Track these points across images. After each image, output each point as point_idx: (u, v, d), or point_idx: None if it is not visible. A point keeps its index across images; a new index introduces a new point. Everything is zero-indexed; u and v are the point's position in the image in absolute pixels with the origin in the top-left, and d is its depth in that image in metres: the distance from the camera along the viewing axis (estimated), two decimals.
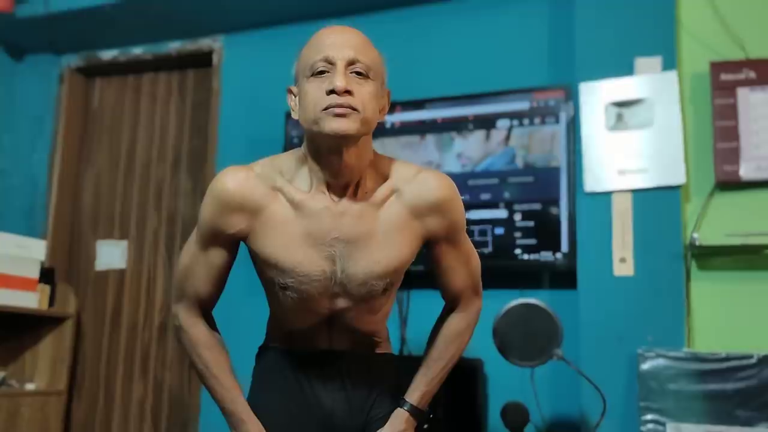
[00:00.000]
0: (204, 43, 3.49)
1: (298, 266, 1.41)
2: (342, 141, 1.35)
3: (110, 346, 3.53)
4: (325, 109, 1.33)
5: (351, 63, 1.35)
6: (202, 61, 3.54)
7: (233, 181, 1.42)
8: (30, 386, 3.24)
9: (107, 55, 3.70)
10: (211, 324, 1.54)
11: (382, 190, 1.45)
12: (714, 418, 2.27)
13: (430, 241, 1.50)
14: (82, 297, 3.59)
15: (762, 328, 2.40)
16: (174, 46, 3.55)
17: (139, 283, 3.55)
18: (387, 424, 1.53)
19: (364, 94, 1.35)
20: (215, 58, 3.46)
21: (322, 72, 1.35)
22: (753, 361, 2.28)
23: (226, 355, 1.53)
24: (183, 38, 3.53)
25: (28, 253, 3.20)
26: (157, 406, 3.40)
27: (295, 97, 1.45)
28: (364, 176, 1.44)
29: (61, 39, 3.61)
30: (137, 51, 3.63)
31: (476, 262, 1.57)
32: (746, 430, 2.17)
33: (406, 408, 1.54)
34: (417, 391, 1.56)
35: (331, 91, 1.32)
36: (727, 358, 2.31)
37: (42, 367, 3.30)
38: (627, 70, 2.61)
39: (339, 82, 1.32)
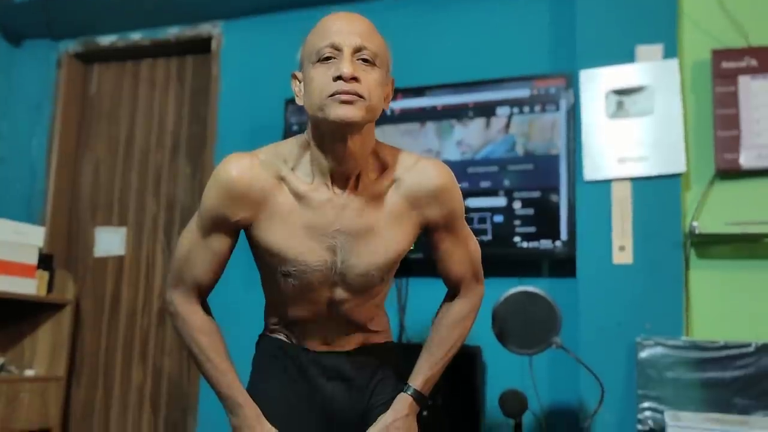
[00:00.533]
0: (203, 28, 3.47)
1: (300, 256, 1.42)
2: (347, 128, 1.34)
3: (109, 333, 3.54)
4: (332, 95, 1.32)
5: (358, 50, 1.35)
6: (201, 47, 3.52)
7: (238, 168, 1.41)
8: (29, 372, 3.24)
9: (105, 40, 3.68)
10: (207, 310, 1.54)
11: (383, 181, 1.45)
12: (712, 406, 2.28)
13: (429, 229, 1.51)
14: (81, 283, 3.59)
15: (760, 317, 2.41)
16: (173, 32, 3.54)
17: (138, 269, 3.55)
18: (390, 408, 1.53)
19: (370, 81, 1.35)
20: (214, 44, 3.44)
21: (328, 58, 1.34)
22: (751, 349, 2.29)
23: (223, 341, 1.52)
24: (182, 24, 3.51)
25: (26, 239, 3.20)
26: (156, 392, 3.41)
27: (300, 83, 1.44)
28: (366, 165, 1.44)
29: (58, 24, 3.59)
30: (136, 36, 3.61)
31: (476, 249, 1.58)
32: (744, 417, 2.17)
33: (409, 392, 1.54)
34: (420, 376, 1.56)
35: (338, 78, 1.32)
36: (726, 347, 2.31)
37: (41, 353, 3.31)
38: (628, 57, 2.60)
39: (346, 68, 1.31)
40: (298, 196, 1.42)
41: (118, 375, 3.48)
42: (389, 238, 1.45)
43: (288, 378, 1.53)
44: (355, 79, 1.32)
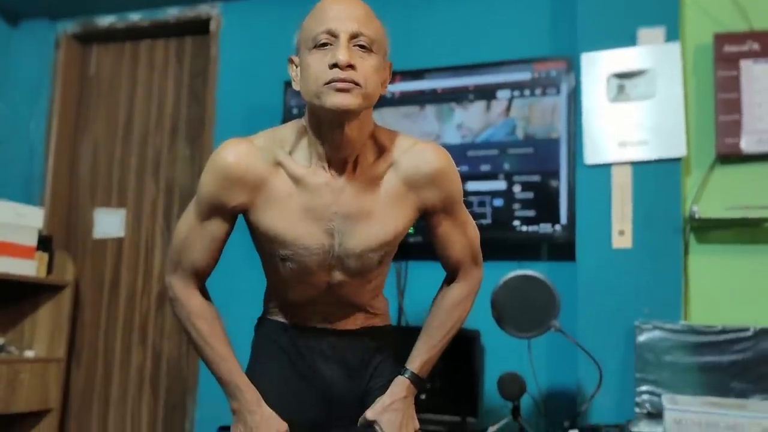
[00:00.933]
0: (202, 9, 3.45)
1: (298, 239, 1.42)
2: (344, 116, 1.33)
3: (109, 315, 3.54)
4: (328, 83, 1.31)
5: (354, 36, 1.33)
6: (200, 28, 3.50)
7: (234, 154, 1.40)
8: (29, 353, 3.25)
9: (104, 21, 3.65)
10: (206, 295, 1.54)
11: (381, 164, 1.45)
12: (709, 389, 2.29)
13: (427, 213, 1.50)
14: (80, 265, 3.59)
15: (759, 301, 2.41)
16: (172, 13, 3.51)
17: (138, 252, 3.55)
18: (387, 391, 1.54)
19: (367, 68, 1.34)
20: (213, 25, 3.42)
21: (324, 44, 1.33)
22: (749, 333, 2.30)
23: (222, 326, 1.52)
24: (181, 4, 3.48)
25: (26, 220, 3.19)
26: (155, 374, 3.42)
27: (297, 67, 1.43)
28: (363, 149, 1.44)
29: (57, 4, 3.56)
30: (134, 17, 3.59)
31: (474, 233, 1.57)
32: (741, 401, 2.18)
33: (406, 375, 1.55)
34: (418, 359, 1.56)
35: (334, 65, 1.30)
36: (723, 331, 2.32)
37: (41, 335, 3.32)
38: (629, 40, 2.59)
39: (342, 56, 1.30)
40: (296, 180, 1.42)
41: (118, 357, 3.49)
42: (386, 220, 1.45)
43: (287, 361, 1.54)
44: (351, 66, 1.31)
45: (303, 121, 1.44)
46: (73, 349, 3.53)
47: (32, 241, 3.22)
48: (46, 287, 3.33)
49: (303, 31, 1.39)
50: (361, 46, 1.34)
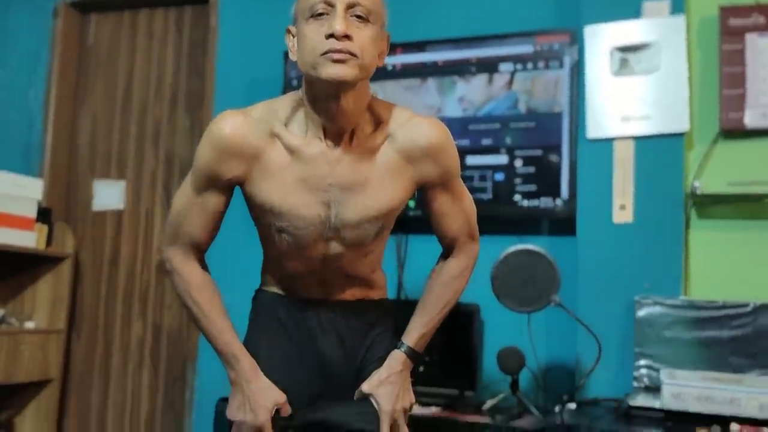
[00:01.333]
0: None
1: (294, 210, 1.42)
2: (340, 87, 1.33)
3: (109, 287, 3.55)
4: (324, 53, 1.30)
5: (351, 6, 1.32)
6: None
7: (231, 125, 1.40)
8: (30, 324, 3.26)
9: None
10: (205, 267, 1.54)
11: (377, 136, 1.44)
12: (708, 364, 2.30)
13: (424, 187, 1.50)
14: (80, 237, 3.59)
15: (759, 277, 2.41)
16: None
17: (137, 223, 3.54)
18: (384, 364, 1.54)
19: (364, 38, 1.33)
20: None
21: (321, 14, 1.32)
22: (748, 309, 2.30)
23: (219, 297, 1.52)
24: None
25: (25, 192, 3.19)
26: (155, 345, 3.43)
27: (294, 38, 1.42)
28: (360, 121, 1.43)
29: None
30: None
31: (471, 207, 1.57)
32: (738, 376, 2.19)
33: (403, 349, 1.55)
34: (414, 333, 1.56)
35: (330, 36, 1.30)
36: (723, 306, 2.32)
37: (41, 306, 3.33)
38: (634, 13, 2.55)
39: (338, 26, 1.29)
40: (291, 151, 1.41)
41: (118, 328, 3.50)
42: (383, 191, 1.44)
43: (284, 332, 1.54)
44: (347, 36, 1.30)
45: (300, 93, 1.44)
46: (74, 320, 3.54)
47: (32, 212, 3.21)
48: (45, 259, 3.33)
49: (300, 1, 1.38)
50: (358, 17, 1.33)
